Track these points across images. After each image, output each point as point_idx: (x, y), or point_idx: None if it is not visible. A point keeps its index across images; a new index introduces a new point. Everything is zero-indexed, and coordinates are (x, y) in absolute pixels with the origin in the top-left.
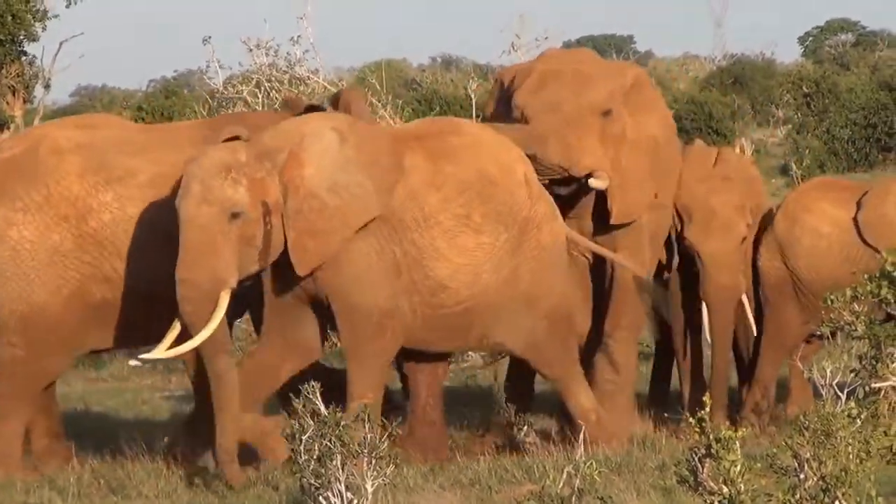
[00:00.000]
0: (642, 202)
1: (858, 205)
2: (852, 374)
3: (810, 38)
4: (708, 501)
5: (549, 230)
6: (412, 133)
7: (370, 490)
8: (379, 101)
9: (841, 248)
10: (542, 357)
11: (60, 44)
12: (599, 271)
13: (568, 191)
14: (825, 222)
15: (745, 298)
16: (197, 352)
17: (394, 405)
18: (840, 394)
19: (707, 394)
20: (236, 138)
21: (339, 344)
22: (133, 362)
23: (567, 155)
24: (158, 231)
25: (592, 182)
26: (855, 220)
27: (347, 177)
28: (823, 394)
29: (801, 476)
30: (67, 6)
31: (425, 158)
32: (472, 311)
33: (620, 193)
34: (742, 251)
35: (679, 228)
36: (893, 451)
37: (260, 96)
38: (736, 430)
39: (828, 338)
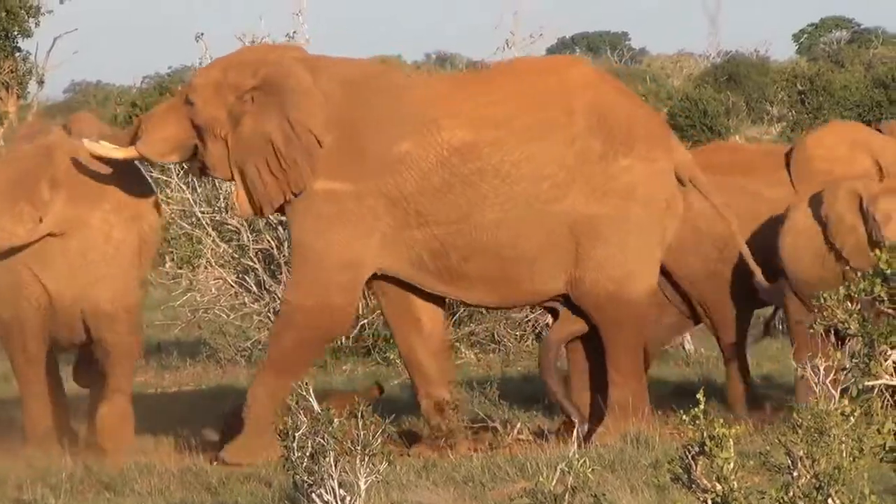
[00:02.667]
0: (265, 202)
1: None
2: (845, 373)
3: (805, 36)
4: (701, 499)
5: None
6: None
7: (363, 487)
8: None
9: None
10: None
11: (54, 40)
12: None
13: None
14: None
15: None
16: None
17: None
18: (833, 391)
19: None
20: None
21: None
22: None
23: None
24: None
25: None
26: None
27: None
28: (817, 391)
29: (795, 474)
30: (61, 2)
31: None
32: None
33: (237, 189)
34: None
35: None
36: (887, 448)
37: None
38: (730, 428)
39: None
